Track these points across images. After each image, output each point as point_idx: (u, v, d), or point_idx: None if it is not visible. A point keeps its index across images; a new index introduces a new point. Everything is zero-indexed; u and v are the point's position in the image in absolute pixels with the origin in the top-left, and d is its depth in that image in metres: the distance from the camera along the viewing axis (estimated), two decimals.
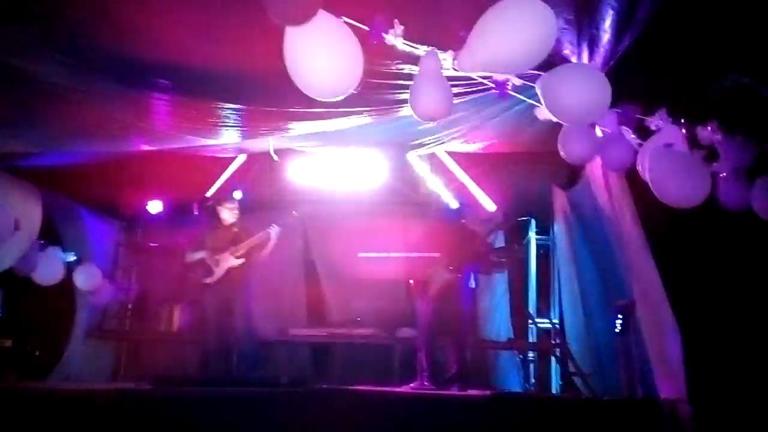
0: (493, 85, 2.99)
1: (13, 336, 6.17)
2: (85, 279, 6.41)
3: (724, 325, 4.24)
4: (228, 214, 5.85)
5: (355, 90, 2.66)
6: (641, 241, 4.30)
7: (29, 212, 5.95)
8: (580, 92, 2.93)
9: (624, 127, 3.36)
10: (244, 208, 6.07)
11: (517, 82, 2.93)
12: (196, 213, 7.12)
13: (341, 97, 2.69)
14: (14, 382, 5.30)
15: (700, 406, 3.86)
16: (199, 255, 5.71)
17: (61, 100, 4.06)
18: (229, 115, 4.54)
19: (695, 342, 4.05)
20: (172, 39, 3.26)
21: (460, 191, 7.05)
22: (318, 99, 2.77)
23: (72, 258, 6.30)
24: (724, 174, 3.49)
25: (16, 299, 6.17)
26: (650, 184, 3.31)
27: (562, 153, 3.47)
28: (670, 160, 3.21)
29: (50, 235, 6.24)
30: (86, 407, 4.09)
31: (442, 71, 2.86)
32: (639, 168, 3.50)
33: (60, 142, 5.02)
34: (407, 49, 2.68)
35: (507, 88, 3.04)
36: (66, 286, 6.43)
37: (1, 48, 3.31)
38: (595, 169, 4.94)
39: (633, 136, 3.37)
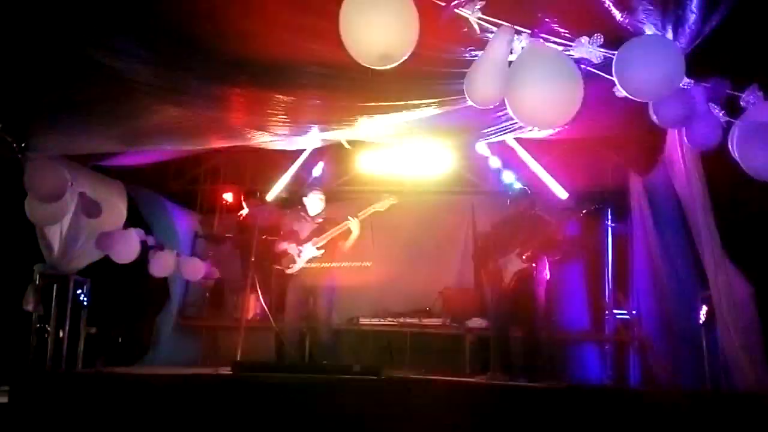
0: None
1: (98, 324, 6.49)
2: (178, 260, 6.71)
3: None
4: (314, 205, 5.92)
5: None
6: (713, 230, 4.08)
7: (114, 206, 6.24)
8: (651, 66, 2.83)
9: (712, 104, 3.18)
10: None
11: (595, 59, 2.82)
12: (244, 207, 7.31)
13: (395, 65, 2.63)
14: (101, 368, 5.58)
15: None
16: (283, 245, 5.82)
17: (145, 98, 4.20)
18: (303, 108, 4.60)
19: None
20: (251, 29, 3.31)
21: (532, 179, 6.91)
22: (372, 66, 2.71)
23: (152, 243, 6.53)
24: None
25: (103, 289, 6.47)
26: (739, 160, 3.13)
27: (654, 117, 3.32)
28: (759, 132, 3.04)
29: (140, 226, 6.48)
30: (169, 392, 4.26)
31: (508, 57, 2.80)
32: (730, 146, 3.31)
33: (142, 140, 5.22)
34: (480, 24, 2.61)
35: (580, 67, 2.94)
36: (152, 277, 6.71)
37: (92, 45, 3.45)
38: (673, 152, 4.72)
39: (721, 113, 3.18)
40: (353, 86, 4.00)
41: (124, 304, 6.85)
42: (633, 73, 2.80)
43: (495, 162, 7.08)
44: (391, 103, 4.63)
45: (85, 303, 6.14)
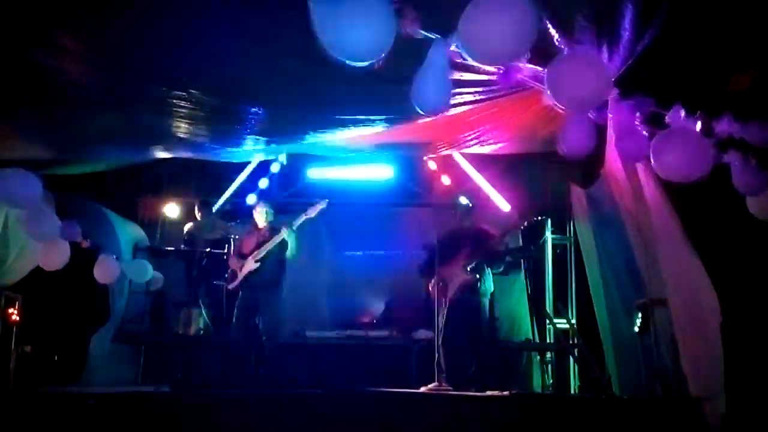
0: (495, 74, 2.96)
1: (33, 342, 6.23)
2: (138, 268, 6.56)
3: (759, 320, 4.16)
4: (260, 218, 5.84)
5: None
6: (679, 235, 4.22)
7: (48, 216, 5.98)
8: (581, 78, 2.90)
9: (637, 117, 3.34)
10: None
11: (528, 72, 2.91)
12: (198, 217, 7.18)
13: (374, 60, 2.64)
14: (34, 387, 5.35)
15: (737, 405, 3.80)
16: (231, 259, 5.71)
17: (83, 103, 4.06)
18: (249, 119, 4.54)
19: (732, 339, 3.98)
20: (201, 38, 3.26)
21: (475, 192, 7.04)
22: (350, 62, 2.72)
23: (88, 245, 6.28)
24: (738, 162, 3.46)
25: (38, 306, 6.22)
26: (653, 164, 3.29)
27: (562, 148, 3.51)
28: (671, 135, 3.20)
29: None
30: (106, 411, 4.11)
31: (448, 64, 2.85)
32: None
33: (81, 149, 5.05)
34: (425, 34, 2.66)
35: (511, 78, 3.02)
36: (94, 291, 6.48)
37: (28, 43, 3.31)
38: (615, 164, 4.89)
39: (645, 128, 3.34)
40: (304, 99, 4.00)
41: (60, 321, 6.59)
42: (563, 87, 2.87)
43: (441, 175, 7.20)
44: (340, 117, 4.65)
45: (17, 320, 5.90)
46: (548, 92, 2.91)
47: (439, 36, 2.73)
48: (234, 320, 5.67)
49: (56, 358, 6.62)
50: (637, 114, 3.33)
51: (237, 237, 5.97)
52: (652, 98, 3.24)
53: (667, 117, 3.20)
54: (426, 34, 2.66)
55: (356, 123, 4.73)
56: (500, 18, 2.63)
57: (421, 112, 3.08)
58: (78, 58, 3.45)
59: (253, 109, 4.32)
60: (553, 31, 3.23)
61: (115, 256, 6.52)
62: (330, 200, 5.77)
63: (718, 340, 3.92)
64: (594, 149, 4.54)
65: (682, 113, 3.16)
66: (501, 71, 2.94)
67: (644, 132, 3.38)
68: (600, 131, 4.34)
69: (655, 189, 4.23)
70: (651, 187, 4.27)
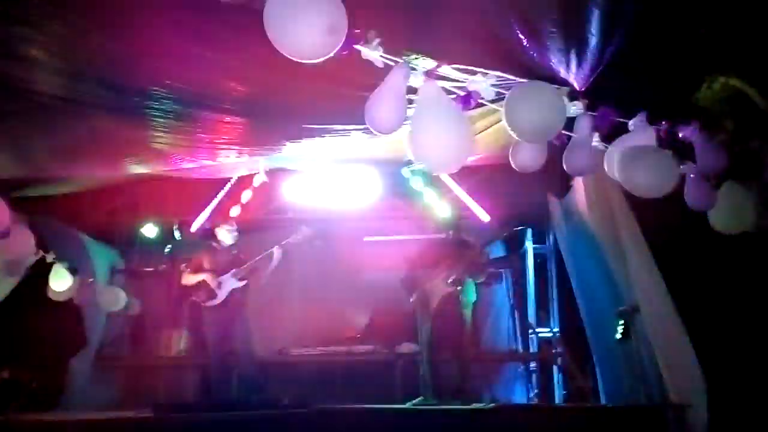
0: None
1: (9, 367, 6.10)
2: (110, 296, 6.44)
3: (730, 329, 4.19)
4: (227, 236, 5.83)
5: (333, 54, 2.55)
6: (641, 246, 4.26)
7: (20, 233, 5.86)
8: (534, 113, 2.91)
9: (595, 132, 3.35)
10: (241, 229, 6.05)
11: (488, 96, 2.89)
12: (177, 237, 7.11)
13: (322, 59, 2.57)
14: (13, 414, 5.22)
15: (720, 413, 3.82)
16: (199, 278, 5.66)
17: (55, 118, 3.97)
18: (225, 129, 4.49)
19: (702, 347, 4.00)
20: (172, 45, 3.21)
21: (456, 204, 7.05)
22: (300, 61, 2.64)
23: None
24: (693, 175, 3.49)
25: (13, 330, 6.10)
26: (620, 180, 3.31)
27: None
28: (638, 152, 3.23)
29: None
30: None
31: (405, 88, 2.84)
32: (606, 169, 3.49)
33: (52, 166, 4.95)
34: (385, 61, 2.63)
35: (470, 103, 3.01)
36: (69, 315, 6.36)
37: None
38: (582, 177, 4.93)
39: (598, 141, 3.35)
40: (278, 107, 3.94)
41: (38, 346, 6.46)
42: (519, 120, 2.87)
43: (421, 187, 7.18)
44: (318, 126, 4.61)
45: None
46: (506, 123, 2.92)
47: (400, 61, 2.71)
48: (208, 341, 5.64)
49: (34, 384, 6.48)
50: (596, 127, 3.34)
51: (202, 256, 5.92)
52: (616, 108, 3.25)
53: (630, 124, 3.22)
54: (386, 59, 2.63)
55: (331, 132, 4.70)
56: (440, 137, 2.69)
57: (374, 132, 3.06)
58: (44, 68, 3.38)
59: (226, 118, 4.27)
60: (522, 36, 3.23)
61: (90, 280, 6.42)
62: (308, 217, 5.80)
63: (689, 349, 3.95)
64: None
65: (645, 121, 3.18)
66: (460, 96, 2.92)
67: (596, 144, 3.39)
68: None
69: (619, 199, 4.28)
70: (615, 198, 4.32)
